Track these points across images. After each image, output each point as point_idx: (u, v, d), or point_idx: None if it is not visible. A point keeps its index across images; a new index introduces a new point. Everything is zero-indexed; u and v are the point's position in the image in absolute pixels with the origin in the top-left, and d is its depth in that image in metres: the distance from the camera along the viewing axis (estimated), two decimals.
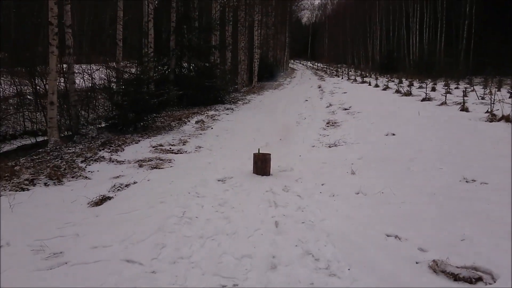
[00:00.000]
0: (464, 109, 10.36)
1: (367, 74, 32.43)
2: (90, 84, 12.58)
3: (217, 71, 17.37)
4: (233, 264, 3.13)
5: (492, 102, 9.68)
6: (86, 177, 5.98)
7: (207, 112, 13.38)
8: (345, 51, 56.58)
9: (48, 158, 7.02)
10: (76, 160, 6.75)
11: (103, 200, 4.71)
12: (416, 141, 7.33)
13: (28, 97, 12.01)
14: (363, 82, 24.72)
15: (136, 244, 3.45)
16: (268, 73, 31.42)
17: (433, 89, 16.83)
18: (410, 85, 19.14)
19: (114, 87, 11.14)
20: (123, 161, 6.93)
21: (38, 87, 11.70)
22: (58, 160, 6.77)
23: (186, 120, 11.65)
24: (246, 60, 25.25)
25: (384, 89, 18.63)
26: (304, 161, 6.73)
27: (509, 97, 13.27)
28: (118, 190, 5.21)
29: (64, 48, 9.41)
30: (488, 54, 25.16)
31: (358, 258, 3.17)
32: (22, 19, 17.94)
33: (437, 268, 2.92)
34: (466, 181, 4.88)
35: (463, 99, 11.16)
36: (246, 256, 3.25)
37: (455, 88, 18.00)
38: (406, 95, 15.14)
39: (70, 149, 7.74)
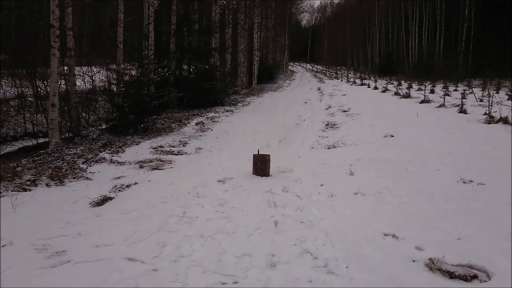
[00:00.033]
0: (462, 111, 10.44)
1: (367, 77, 32.52)
2: (90, 86, 12.64)
3: (217, 73, 17.46)
4: (233, 262, 3.18)
5: (490, 104, 9.75)
6: (87, 178, 6.03)
7: (207, 114, 13.45)
8: (344, 53, 56.71)
9: (50, 159, 7.07)
10: (77, 161, 6.81)
11: (104, 200, 4.77)
12: (414, 143, 7.40)
13: (29, 99, 12.08)
14: (362, 84, 24.80)
15: (137, 243, 3.51)
16: (267, 76, 31.51)
17: (432, 91, 16.91)
18: (409, 87, 19.24)
19: (115, 89, 11.19)
20: (124, 162, 6.99)
21: (38, 89, 11.76)
22: (59, 161, 6.83)
23: (186, 122, 11.72)
24: (246, 63, 25.34)
25: (383, 91, 18.71)
26: (303, 162, 6.79)
27: (507, 99, 13.34)
28: (119, 190, 5.27)
29: (65, 51, 9.47)
30: (487, 57, 25.20)
31: (356, 256, 3.23)
32: (22, 19, 17.97)
33: (433, 266, 2.97)
34: (464, 182, 4.94)
35: (462, 101, 11.25)
36: (246, 254, 3.30)
37: (453, 91, 18.07)
38: (405, 97, 15.22)
39: (71, 151, 7.80)
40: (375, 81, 25.28)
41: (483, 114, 9.48)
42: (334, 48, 61.36)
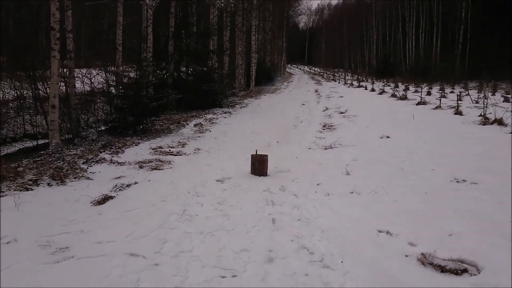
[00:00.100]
0: (458, 112, 10.58)
1: (364, 79, 32.74)
2: (89, 88, 12.71)
3: (215, 76, 17.56)
4: (232, 257, 3.28)
5: (485, 106, 9.89)
6: (88, 178, 6.12)
7: (205, 115, 13.55)
8: (342, 55, 57.02)
9: (50, 159, 7.16)
10: (77, 162, 6.90)
11: (105, 199, 4.86)
12: (410, 143, 7.52)
13: (28, 100, 12.14)
14: (359, 86, 24.98)
15: (139, 240, 3.60)
16: (265, 78, 31.67)
17: (429, 93, 17.08)
18: (406, 89, 19.42)
19: (113, 91, 11.28)
20: (124, 163, 7.08)
21: (38, 91, 11.83)
22: (60, 162, 6.91)
23: (184, 123, 11.81)
24: (244, 65, 25.46)
25: (380, 93, 18.87)
26: (300, 162, 6.90)
27: (503, 101, 13.50)
28: (119, 190, 5.36)
29: (65, 53, 9.56)
30: (486, 57, 25.35)
31: (351, 252, 3.34)
32: (21, 21, 18.02)
33: (425, 260, 3.08)
34: (457, 181, 5.05)
35: (457, 103, 11.40)
36: (244, 250, 3.40)
37: (450, 93, 18.25)
38: (401, 99, 15.38)
39: (71, 151, 7.88)
40: (372, 83, 25.47)
41: (478, 116, 9.61)
42: (332, 50, 61.70)
